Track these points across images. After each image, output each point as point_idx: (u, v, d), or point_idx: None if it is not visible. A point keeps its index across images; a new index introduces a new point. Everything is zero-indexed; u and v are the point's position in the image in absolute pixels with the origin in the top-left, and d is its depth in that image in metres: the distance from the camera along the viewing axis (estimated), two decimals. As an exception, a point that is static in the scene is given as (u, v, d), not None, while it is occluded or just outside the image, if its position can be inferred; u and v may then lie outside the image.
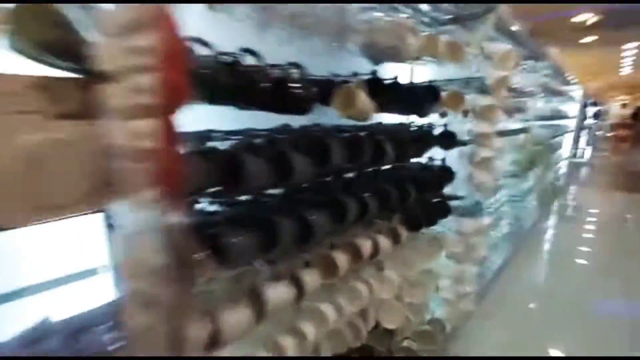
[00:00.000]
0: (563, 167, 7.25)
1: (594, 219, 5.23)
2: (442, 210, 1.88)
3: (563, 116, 5.76)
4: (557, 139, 5.91)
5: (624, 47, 11.08)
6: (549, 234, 4.61)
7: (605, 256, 3.89)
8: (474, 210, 1.86)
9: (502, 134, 2.43)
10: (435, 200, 1.87)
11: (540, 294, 3.05)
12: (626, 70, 15.31)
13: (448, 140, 1.81)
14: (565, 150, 7.18)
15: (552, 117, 4.84)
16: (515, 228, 3.88)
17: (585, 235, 4.56)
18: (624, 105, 18.15)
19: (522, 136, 3.34)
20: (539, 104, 4.74)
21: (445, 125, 1.86)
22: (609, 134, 15.52)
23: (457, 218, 1.94)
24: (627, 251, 4.01)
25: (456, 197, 1.91)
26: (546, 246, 4.25)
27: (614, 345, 2.29)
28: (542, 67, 3.23)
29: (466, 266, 1.95)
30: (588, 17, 7.92)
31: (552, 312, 2.71)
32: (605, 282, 3.25)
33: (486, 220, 1.88)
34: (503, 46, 1.65)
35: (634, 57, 12.87)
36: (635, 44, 10.70)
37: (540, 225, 4.76)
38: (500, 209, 3.23)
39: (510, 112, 2.35)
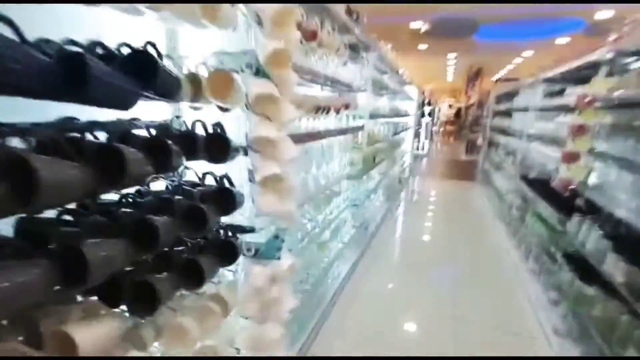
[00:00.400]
0: (407, 160, 7.97)
1: (431, 203, 5.90)
2: (224, 255, 1.21)
3: (403, 114, 6.15)
4: (399, 135, 6.30)
5: (448, 56, 13.30)
6: (398, 223, 4.81)
7: (442, 231, 4.61)
8: (270, 249, 1.27)
9: (321, 134, 1.96)
10: (209, 241, 1.19)
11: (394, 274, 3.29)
12: (450, 76, 18.71)
13: (218, 148, 1.14)
14: (408, 144, 7.88)
15: (393, 115, 4.97)
16: (361, 230, 3.69)
17: (427, 216, 5.11)
18: (450, 106, 22.44)
19: (359, 134, 3.06)
20: (381, 101, 4.78)
21: (217, 124, 1.19)
22: (440, 129, 18.72)
23: (251, 261, 1.31)
24: (455, 222, 4.98)
25: (244, 230, 1.28)
26: (396, 234, 4.44)
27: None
28: (372, 60, 2.99)
29: (269, 326, 1.35)
30: (421, 25, 8.94)
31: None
32: (444, 251, 3.95)
33: (287, 261, 1.31)
34: (277, 5, 1.06)
35: (454, 66, 15.75)
36: (454, 54, 12.93)
37: (389, 217, 4.85)
38: (341, 215, 2.88)
39: (320, 108, 1.88)
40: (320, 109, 1.91)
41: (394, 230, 4.59)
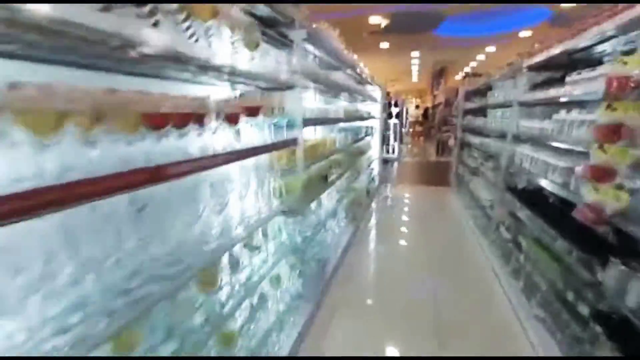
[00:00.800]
0: (375, 167, 7.18)
1: (405, 217, 5.02)
2: None
3: (366, 117, 5.34)
4: (364, 141, 5.48)
5: (412, 54, 12.80)
6: (366, 251, 3.88)
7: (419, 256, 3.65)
8: None
9: (184, 167, 1.02)
10: None
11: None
12: (415, 76, 18.42)
13: None
14: (375, 150, 7.10)
15: (351, 118, 4.13)
16: (314, 274, 2.78)
17: (400, 235, 4.08)
18: (417, 107, 22.19)
19: (296, 151, 2.14)
20: (333, 104, 3.91)
21: None
22: (409, 130, 18.32)
23: None
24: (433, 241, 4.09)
25: None
26: (362, 268, 3.38)
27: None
28: (302, 44, 2.09)
29: None
30: (380, 20, 8.25)
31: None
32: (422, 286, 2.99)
33: None
34: None
35: (418, 66, 15.36)
36: (418, 52, 12.44)
37: (355, 244, 3.95)
38: (271, 273, 1.94)
39: (169, 119, 0.95)
40: (169, 120, 0.97)
41: (360, 263, 3.69)
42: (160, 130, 1.00)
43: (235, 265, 1.55)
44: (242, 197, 1.60)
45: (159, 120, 0.98)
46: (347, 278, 3.25)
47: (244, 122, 1.40)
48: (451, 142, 7.06)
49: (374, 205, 5.96)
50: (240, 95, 1.48)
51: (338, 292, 2.98)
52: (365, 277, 3.37)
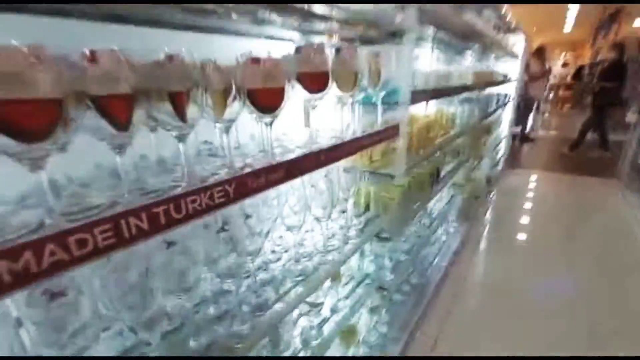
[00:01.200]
0: (503, 147, 5.64)
1: (537, 227, 3.64)
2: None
3: (502, 80, 3.95)
4: (494, 115, 4.14)
5: (572, -6, 9.61)
6: (477, 272, 2.84)
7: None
8: None
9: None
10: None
11: None
12: (569, 26, 14.19)
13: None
14: (506, 124, 5.52)
15: (482, 84, 2.96)
16: (401, 307, 2.05)
17: (529, 257, 2.90)
18: (565, 64, 17.26)
19: (398, 142, 1.34)
20: (456, 63, 2.81)
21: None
22: (551, 96, 14.59)
23: None
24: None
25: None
26: (469, 302, 2.47)
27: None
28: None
29: None
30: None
31: None
32: None
33: None
34: None
35: (578, 9, 11.58)
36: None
37: (462, 258, 2.98)
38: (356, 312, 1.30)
39: None
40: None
41: (467, 291, 2.73)
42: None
43: (276, 343, 0.95)
44: (295, 231, 0.94)
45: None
46: (452, 298, 2.40)
47: (296, 101, 0.70)
48: (632, 116, 4.86)
49: (494, 198, 4.67)
50: (296, 50, 0.77)
51: (440, 319, 2.19)
52: (477, 296, 2.45)
